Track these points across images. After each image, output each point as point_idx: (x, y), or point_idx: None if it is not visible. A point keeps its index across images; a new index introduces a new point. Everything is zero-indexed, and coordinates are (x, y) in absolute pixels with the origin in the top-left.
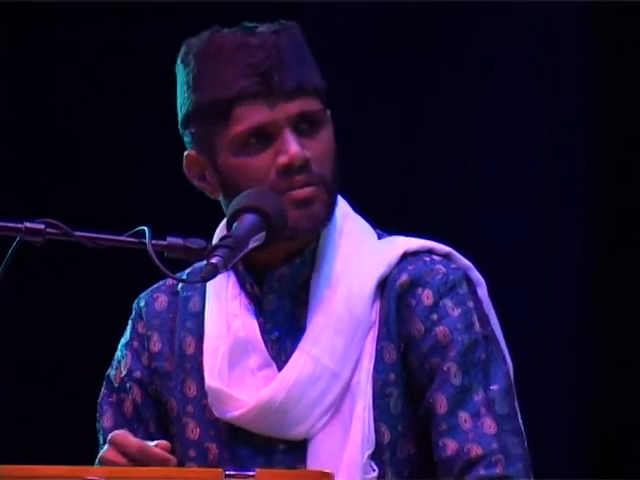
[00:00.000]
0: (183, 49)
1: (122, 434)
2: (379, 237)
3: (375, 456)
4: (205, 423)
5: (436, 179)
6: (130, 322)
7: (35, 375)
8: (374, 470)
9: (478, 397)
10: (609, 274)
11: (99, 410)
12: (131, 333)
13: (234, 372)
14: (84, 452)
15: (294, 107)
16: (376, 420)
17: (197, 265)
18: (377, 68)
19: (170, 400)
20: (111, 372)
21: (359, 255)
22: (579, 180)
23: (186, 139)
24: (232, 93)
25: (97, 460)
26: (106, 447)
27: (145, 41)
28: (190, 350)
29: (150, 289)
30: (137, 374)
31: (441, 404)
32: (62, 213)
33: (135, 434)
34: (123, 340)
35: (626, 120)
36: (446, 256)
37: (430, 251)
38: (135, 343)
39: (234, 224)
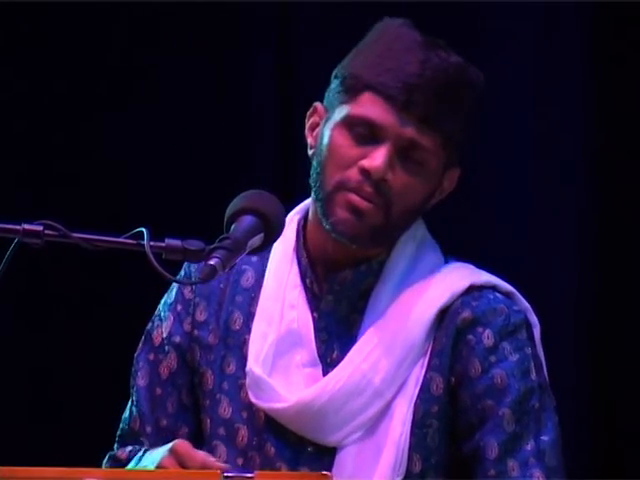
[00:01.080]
0: (382, 21)
1: (185, 446)
2: (446, 261)
3: None
4: (238, 403)
5: None
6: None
7: (35, 375)
8: None
9: (528, 446)
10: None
11: (135, 365)
12: (176, 295)
13: (279, 363)
14: (85, 453)
15: (410, 131)
16: (411, 448)
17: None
18: None
19: (207, 372)
20: (151, 329)
21: (426, 279)
22: (578, 161)
23: (329, 87)
24: (375, 79)
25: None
26: (166, 454)
27: (146, 40)
28: (236, 326)
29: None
30: (176, 339)
31: (492, 449)
32: (60, 215)
33: (166, 399)
34: (167, 299)
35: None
36: (508, 295)
37: (494, 287)
38: (179, 307)
39: (232, 226)
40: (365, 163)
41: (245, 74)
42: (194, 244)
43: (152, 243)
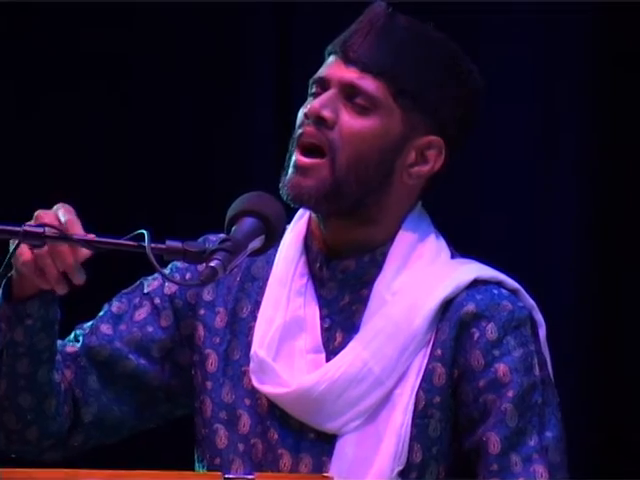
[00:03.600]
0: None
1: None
2: (452, 256)
3: (403, 474)
4: (241, 390)
5: None
6: None
7: None
8: None
9: (532, 442)
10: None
11: (115, 298)
12: (189, 265)
13: (284, 348)
14: (85, 454)
15: (350, 74)
16: (412, 438)
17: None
18: None
19: (211, 355)
20: (147, 279)
21: (429, 270)
22: (578, 154)
23: None
24: (332, 45)
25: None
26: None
27: (147, 40)
28: (243, 313)
29: (219, 237)
30: (179, 303)
31: (494, 444)
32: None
33: (125, 335)
34: (178, 264)
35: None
36: (514, 292)
37: (500, 283)
38: (188, 275)
39: (233, 228)
40: (304, 110)
41: (246, 74)
42: (195, 246)
43: (153, 245)
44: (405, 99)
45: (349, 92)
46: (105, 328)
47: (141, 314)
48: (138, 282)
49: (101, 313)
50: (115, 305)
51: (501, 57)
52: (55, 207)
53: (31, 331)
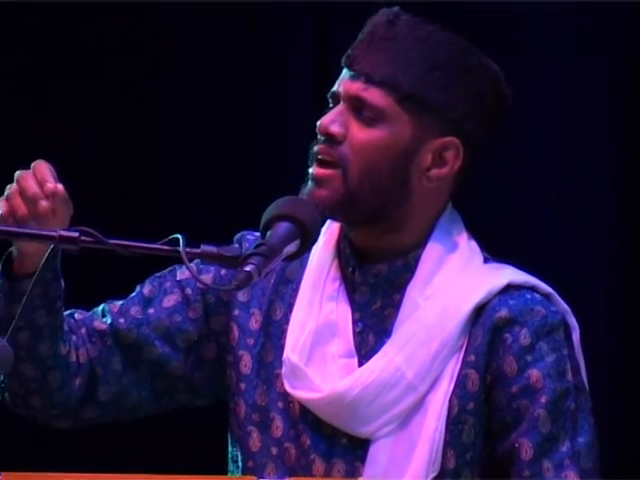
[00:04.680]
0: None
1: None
2: (485, 260)
3: None
4: (274, 393)
5: None
6: None
7: None
8: None
9: (564, 448)
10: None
11: (146, 280)
12: None
13: (316, 353)
14: (92, 458)
15: (355, 87)
16: (445, 444)
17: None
18: None
19: (245, 356)
20: (181, 266)
21: (463, 275)
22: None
23: None
24: (344, 57)
25: None
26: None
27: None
28: (277, 316)
29: (256, 235)
30: (210, 299)
31: (527, 450)
32: (92, 221)
33: (157, 330)
34: None
35: None
36: (547, 296)
37: (533, 288)
38: (223, 271)
39: (268, 232)
40: (319, 122)
41: (285, 74)
42: (230, 250)
43: (188, 249)
44: (412, 104)
45: (356, 105)
46: (134, 311)
47: (170, 300)
48: (171, 267)
49: (132, 294)
50: (147, 288)
51: (533, 55)
52: (32, 165)
53: (29, 308)
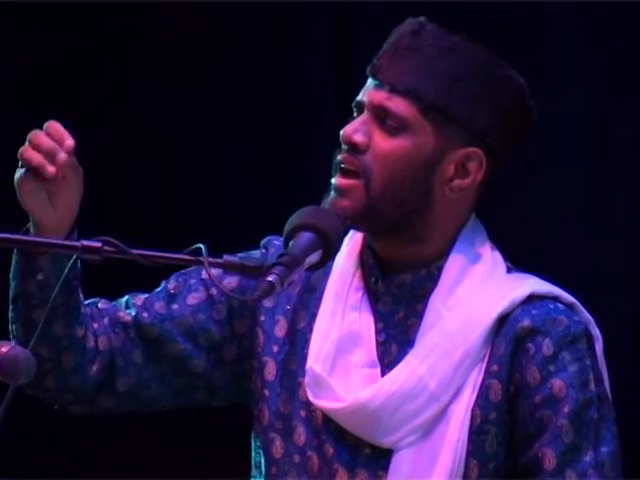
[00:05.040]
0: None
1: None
2: (508, 271)
3: None
4: (297, 401)
5: None
6: (258, 252)
7: None
8: None
9: (587, 458)
10: None
11: (172, 276)
12: None
13: (338, 362)
14: (87, 457)
15: (379, 96)
16: (468, 455)
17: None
18: None
19: (270, 362)
20: (201, 269)
21: (485, 285)
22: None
23: None
24: (369, 66)
25: None
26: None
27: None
28: (300, 324)
29: (282, 240)
30: (235, 302)
31: (550, 460)
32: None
33: (176, 316)
34: None
35: None
36: (570, 306)
37: (556, 298)
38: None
39: (290, 242)
40: (342, 131)
41: (310, 83)
42: (252, 260)
43: (210, 259)
44: (435, 114)
45: (380, 114)
46: (158, 306)
47: (194, 298)
48: (195, 267)
49: (158, 289)
50: (172, 283)
51: (557, 62)
52: (44, 126)
53: (44, 285)
